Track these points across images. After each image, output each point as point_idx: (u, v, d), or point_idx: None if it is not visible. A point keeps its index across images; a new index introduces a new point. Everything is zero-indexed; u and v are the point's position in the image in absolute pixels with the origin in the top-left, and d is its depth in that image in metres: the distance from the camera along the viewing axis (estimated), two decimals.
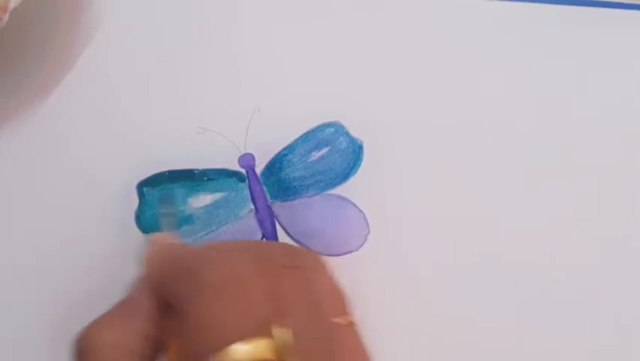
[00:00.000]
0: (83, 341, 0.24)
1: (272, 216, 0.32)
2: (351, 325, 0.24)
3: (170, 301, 0.24)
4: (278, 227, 0.32)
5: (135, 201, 0.32)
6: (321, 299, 0.24)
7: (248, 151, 0.33)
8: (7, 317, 0.32)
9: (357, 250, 0.32)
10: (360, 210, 0.33)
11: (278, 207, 0.32)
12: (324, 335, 0.23)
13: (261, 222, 0.32)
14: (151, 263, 0.26)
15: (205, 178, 0.32)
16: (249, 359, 0.21)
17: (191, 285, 0.23)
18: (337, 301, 0.25)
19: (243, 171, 0.33)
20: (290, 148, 0.33)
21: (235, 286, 0.23)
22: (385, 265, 0.33)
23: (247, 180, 0.33)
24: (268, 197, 0.33)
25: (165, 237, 0.28)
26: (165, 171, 0.32)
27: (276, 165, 0.33)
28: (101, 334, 0.24)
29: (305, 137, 0.33)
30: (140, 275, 0.27)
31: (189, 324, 0.22)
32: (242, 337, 0.21)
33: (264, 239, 0.32)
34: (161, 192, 0.31)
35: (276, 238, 0.32)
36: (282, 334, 0.21)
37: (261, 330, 0.21)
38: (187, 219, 0.32)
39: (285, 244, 0.27)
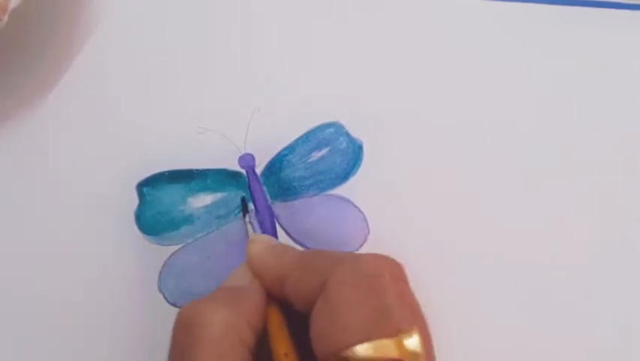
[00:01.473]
0: (187, 318, 0.23)
1: (272, 216, 0.32)
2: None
3: (291, 296, 0.24)
4: (278, 227, 0.32)
5: (135, 201, 0.32)
6: (422, 314, 0.24)
7: (248, 151, 0.33)
8: (7, 317, 0.32)
9: (357, 250, 0.32)
10: (360, 210, 0.33)
11: (278, 207, 0.32)
12: (431, 346, 0.23)
13: (261, 222, 0.32)
14: (267, 259, 0.26)
15: (205, 178, 0.32)
16: (379, 356, 0.21)
17: (330, 278, 0.23)
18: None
19: (243, 171, 0.33)
20: (290, 148, 0.33)
21: (375, 281, 0.23)
22: None
23: (247, 180, 0.33)
24: (268, 197, 0.32)
25: (267, 237, 0.29)
26: (165, 171, 0.32)
27: (276, 165, 0.33)
28: (211, 313, 0.23)
29: (305, 137, 0.33)
30: (243, 267, 0.27)
31: (323, 315, 0.23)
32: (375, 333, 0.21)
33: None
34: (242, 205, 0.32)
35: (276, 238, 0.32)
36: (415, 339, 0.22)
37: (394, 331, 0.22)
38: (187, 219, 0.32)
39: (384, 255, 0.27)
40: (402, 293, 0.24)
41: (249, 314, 0.24)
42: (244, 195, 0.32)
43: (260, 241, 0.28)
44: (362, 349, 0.21)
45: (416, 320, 0.23)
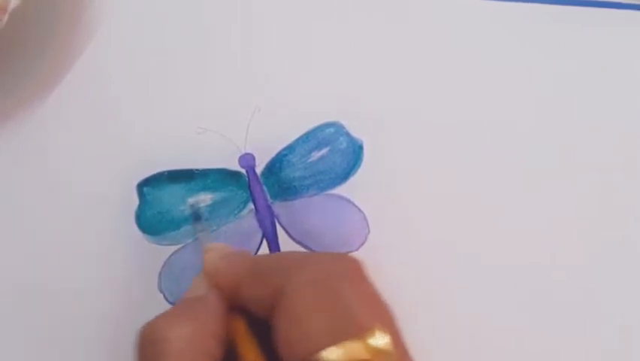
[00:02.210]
0: (150, 335, 0.23)
1: (272, 216, 0.32)
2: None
3: (248, 304, 0.24)
4: (278, 227, 0.32)
5: (135, 201, 0.32)
6: (387, 309, 0.24)
7: (248, 151, 0.33)
8: (6, 317, 0.32)
9: (357, 250, 0.32)
10: (360, 210, 0.33)
11: (278, 207, 0.32)
12: (400, 343, 0.23)
13: (261, 222, 0.32)
14: (222, 268, 0.26)
15: (205, 178, 0.32)
16: (349, 359, 0.21)
17: (286, 284, 0.23)
18: (392, 313, 0.25)
19: (243, 171, 0.33)
20: (290, 148, 0.33)
21: (331, 283, 0.23)
22: (385, 265, 0.33)
23: (247, 180, 0.33)
24: (268, 197, 0.33)
25: (222, 245, 0.28)
26: (165, 171, 0.32)
27: (276, 165, 0.33)
28: (171, 328, 0.23)
29: (305, 137, 0.33)
30: (200, 277, 0.26)
31: (284, 322, 0.22)
32: (341, 336, 0.21)
33: (264, 239, 0.32)
34: (191, 211, 0.31)
35: (276, 238, 0.32)
36: (383, 338, 0.21)
37: (360, 331, 0.21)
38: (187, 219, 0.32)
39: (343, 253, 0.27)
40: (364, 292, 0.24)
41: (210, 325, 0.24)
42: (198, 206, 0.31)
43: (214, 249, 0.27)
44: (329, 353, 0.21)
45: (382, 318, 0.23)
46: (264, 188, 0.33)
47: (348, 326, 0.22)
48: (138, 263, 0.32)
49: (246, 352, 0.24)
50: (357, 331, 0.21)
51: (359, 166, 0.33)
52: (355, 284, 0.23)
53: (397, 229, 0.33)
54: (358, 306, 0.22)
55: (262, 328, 0.24)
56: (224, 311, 0.25)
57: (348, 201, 0.33)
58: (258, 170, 0.33)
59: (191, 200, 0.31)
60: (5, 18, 0.32)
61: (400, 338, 0.23)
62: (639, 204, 0.35)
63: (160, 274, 0.31)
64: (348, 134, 0.33)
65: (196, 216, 0.31)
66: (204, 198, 0.32)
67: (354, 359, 0.21)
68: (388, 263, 0.33)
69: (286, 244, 0.32)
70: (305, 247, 0.32)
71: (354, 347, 0.21)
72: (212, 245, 0.28)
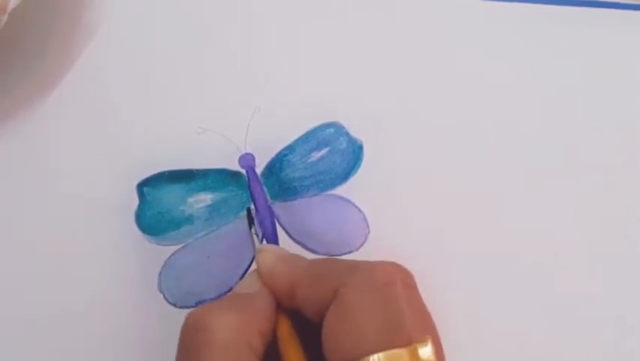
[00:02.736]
0: (194, 322, 0.23)
1: (272, 216, 0.32)
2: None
3: (301, 306, 0.24)
4: (278, 227, 0.32)
5: (135, 201, 0.32)
6: (431, 319, 0.25)
7: (248, 151, 0.33)
8: (7, 317, 0.32)
9: (357, 250, 0.32)
10: (360, 210, 0.33)
11: (278, 207, 0.32)
12: (441, 353, 0.23)
13: (261, 223, 0.32)
14: (277, 268, 0.26)
15: (205, 178, 0.32)
16: None
17: (342, 287, 0.23)
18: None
19: (243, 171, 0.33)
20: (290, 148, 0.33)
21: (387, 289, 0.23)
22: None
23: (247, 181, 0.33)
24: (268, 197, 0.32)
25: (276, 247, 0.29)
26: (165, 171, 0.32)
27: (276, 165, 0.33)
28: (217, 318, 0.23)
29: (305, 137, 0.33)
30: (253, 274, 0.27)
31: (336, 325, 0.23)
32: (389, 344, 0.21)
33: (264, 240, 0.32)
34: (248, 217, 0.32)
35: (276, 238, 0.32)
36: (428, 349, 0.22)
37: (408, 341, 0.22)
38: (187, 219, 0.32)
39: (392, 262, 0.27)
40: (413, 301, 0.24)
41: (258, 321, 0.24)
42: (250, 206, 0.32)
43: (270, 250, 0.28)
44: (376, 359, 0.21)
45: (427, 329, 0.24)
46: (264, 188, 0.33)
47: (397, 334, 0.22)
48: (138, 263, 0.32)
49: (288, 353, 0.24)
50: (406, 340, 0.22)
51: (359, 166, 0.33)
52: (407, 294, 0.24)
53: (397, 229, 0.33)
54: (408, 316, 0.23)
55: (307, 333, 0.24)
56: (272, 310, 0.25)
57: (348, 201, 0.33)
58: (258, 170, 0.33)
59: (247, 207, 0.32)
60: (5, 18, 0.32)
61: (441, 352, 0.23)
62: None
63: (160, 274, 0.31)
64: (348, 135, 0.33)
65: (250, 219, 0.31)
66: (204, 198, 0.32)
67: None
68: None
69: (286, 244, 0.32)
70: (305, 247, 0.32)
71: (400, 355, 0.21)
72: (267, 246, 0.29)
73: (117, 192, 0.33)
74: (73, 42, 0.37)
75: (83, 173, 0.34)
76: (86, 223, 0.33)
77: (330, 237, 0.32)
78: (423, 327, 0.23)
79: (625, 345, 0.33)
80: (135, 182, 0.32)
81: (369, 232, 0.32)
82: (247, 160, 0.33)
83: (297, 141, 0.33)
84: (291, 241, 0.32)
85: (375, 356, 0.21)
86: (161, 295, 0.30)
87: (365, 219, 0.33)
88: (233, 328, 0.23)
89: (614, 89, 0.37)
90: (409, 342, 0.22)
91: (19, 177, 0.34)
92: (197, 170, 0.32)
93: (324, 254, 0.32)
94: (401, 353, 0.21)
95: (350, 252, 0.32)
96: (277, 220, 0.32)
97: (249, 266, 0.31)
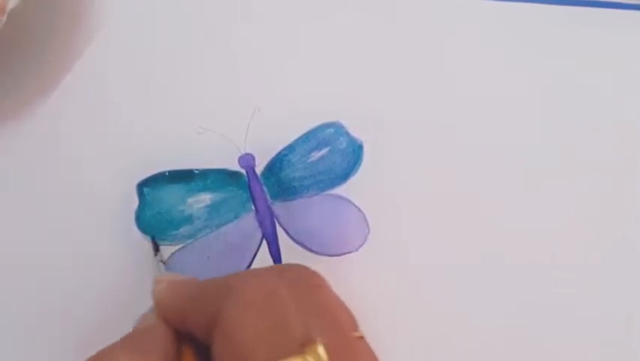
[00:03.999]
0: None
1: (272, 216, 0.32)
2: (363, 338, 0.24)
3: (192, 331, 0.24)
4: (278, 227, 0.32)
5: (135, 201, 0.32)
6: (339, 315, 0.24)
7: (248, 151, 0.33)
8: (6, 318, 0.32)
9: (357, 250, 0.32)
10: (360, 210, 0.33)
11: (278, 207, 0.32)
12: (348, 349, 0.23)
13: (261, 223, 0.32)
14: (165, 298, 0.26)
15: (205, 178, 0.32)
16: None
17: (221, 308, 0.23)
18: (350, 316, 0.25)
19: (243, 171, 0.33)
20: (290, 148, 0.33)
21: (268, 301, 0.23)
22: (385, 265, 0.33)
23: (247, 181, 0.33)
24: (268, 197, 0.33)
25: (171, 275, 0.28)
26: (165, 171, 0.32)
27: (276, 165, 0.33)
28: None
29: (305, 137, 0.33)
30: (149, 311, 0.27)
31: (222, 347, 0.22)
32: (280, 354, 0.21)
33: (264, 239, 0.32)
34: (153, 245, 0.31)
35: (275, 238, 0.32)
36: (318, 351, 0.21)
37: (298, 347, 0.21)
38: (187, 219, 0.32)
39: (292, 264, 0.27)
40: (306, 304, 0.23)
41: (156, 355, 0.24)
42: (154, 237, 0.31)
43: (162, 280, 0.27)
44: None
45: (332, 326, 0.23)
46: (264, 188, 0.33)
47: (285, 341, 0.22)
48: (138, 263, 0.32)
49: None
50: (296, 346, 0.21)
51: (359, 166, 0.33)
52: (295, 296, 0.23)
53: (397, 229, 0.33)
54: (296, 319, 0.22)
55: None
56: (172, 341, 0.24)
57: (348, 201, 0.33)
58: (258, 170, 0.33)
59: (151, 238, 0.31)
60: (4, 18, 0.32)
61: (348, 344, 0.23)
62: (639, 204, 0.35)
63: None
64: (348, 134, 0.33)
65: (156, 247, 0.31)
66: (204, 198, 0.32)
67: None
68: (388, 263, 0.33)
69: (286, 244, 0.32)
70: (305, 247, 0.32)
71: None
72: (160, 276, 0.27)
73: (117, 192, 0.33)
74: (74, 42, 0.37)
75: (83, 173, 0.34)
76: (86, 223, 0.33)
77: (330, 237, 0.32)
78: (317, 327, 0.22)
79: (623, 344, 0.32)
80: (135, 182, 0.32)
81: (369, 232, 0.32)
82: (247, 160, 0.33)
83: (297, 140, 0.33)
84: (291, 241, 0.32)
85: None
86: None
87: (365, 219, 0.33)
88: None
89: (613, 89, 0.37)
90: (300, 347, 0.21)
91: (18, 177, 0.34)
92: (197, 170, 0.32)
93: (324, 254, 0.32)
94: (291, 360, 0.21)
95: (350, 252, 0.32)
96: (277, 220, 0.32)
97: (249, 266, 0.32)
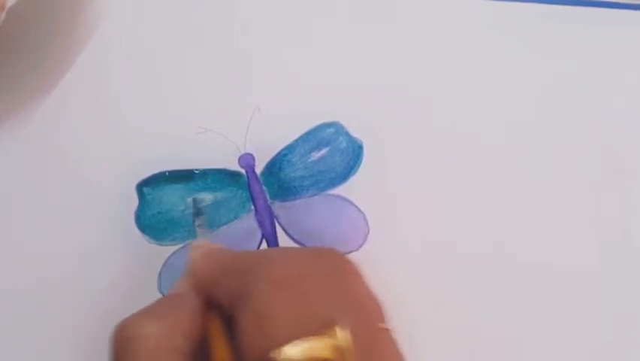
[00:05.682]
0: (122, 332, 0.23)
1: (272, 216, 0.32)
2: (388, 331, 0.24)
3: (221, 301, 0.24)
4: (278, 227, 0.32)
5: (135, 201, 0.32)
6: (368, 304, 0.24)
7: (248, 151, 0.33)
8: (7, 318, 0.32)
9: (357, 249, 0.32)
10: (360, 210, 0.33)
11: (278, 207, 0.32)
12: (372, 339, 0.23)
13: (260, 223, 0.32)
14: (199, 265, 0.26)
15: (205, 178, 0.32)
16: (308, 357, 0.21)
17: (252, 281, 0.23)
18: (378, 307, 0.25)
19: (243, 171, 0.33)
20: (290, 148, 0.33)
21: (299, 282, 0.23)
22: (386, 264, 0.33)
23: (247, 181, 0.33)
24: (268, 197, 0.33)
25: (209, 242, 0.28)
26: (165, 171, 0.32)
27: (276, 165, 0.33)
28: (143, 327, 0.23)
29: (305, 137, 0.33)
30: (184, 276, 0.27)
31: (247, 319, 0.22)
32: (302, 334, 0.21)
33: (264, 239, 0.32)
34: (193, 206, 0.31)
35: (275, 238, 0.32)
36: (343, 335, 0.21)
37: (321, 329, 0.21)
38: (187, 219, 0.32)
39: (328, 248, 0.27)
40: (335, 289, 0.23)
41: (182, 323, 0.24)
42: (200, 201, 0.32)
43: (200, 246, 0.27)
44: (287, 350, 0.21)
45: (354, 314, 0.23)
46: (264, 188, 0.33)
47: (310, 323, 0.22)
48: (138, 263, 0.32)
49: (216, 349, 0.24)
50: (319, 328, 0.21)
51: (359, 166, 0.33)
52: (326, 281, 0.24)
53: (397, 229, 0.33)
54: (324, 303, 0.23)
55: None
56: (199, 309, 0.25)
57: (348, 201, 0.33)
58: (258, 170, 0.33)
59: (192, 197, 0.31)
60: (3, 16, 0.32)
61: (373, 334, 0.23)
62: (639, 203, 0.35)
63: (160, 274, 0.31)
64: (348, 134, 0.33)
65: (197, 211, 0.31)
66: (204, 199, 0.32)
67: (313, 356, 0.21)
68: (388, 263, 0.33)
69: (286, 244, 0.32)
70: (304, 247, 0.32)
71: (313, 344, 0.21)
72: (198, 243, 0.28)
73: (117, 192, 0.33)
74: (73, 41, 0.37)
75: (83, 173, 0.34)
76: (86, 223, 0.33)
77: (330, 237, 0.32)
78: (345, 313, 0.22)
79: (623, 344, 0.33)
80: (135, 182, 0.32)
81: (369, 232, 0.32)
82: (247, 160, 0.33)
83: (297, 140, 0.33)
84: (290, 241, 0.32)
85: (286, 347, 0.21)
86: (161, 296, 0.30)
87: (365, 219, 0.33)
88: (157, 335, 0.23)
89: (613, 89, 0.37)
90: (321, 330, 0.21)
91: (18, 177, 0.34)
92: (197, 170, 0.32)
93: None
94: (314, 341, 0.21)
95: (350, 252, 0.32)
96: (277, 220, 0.32)
97: None
